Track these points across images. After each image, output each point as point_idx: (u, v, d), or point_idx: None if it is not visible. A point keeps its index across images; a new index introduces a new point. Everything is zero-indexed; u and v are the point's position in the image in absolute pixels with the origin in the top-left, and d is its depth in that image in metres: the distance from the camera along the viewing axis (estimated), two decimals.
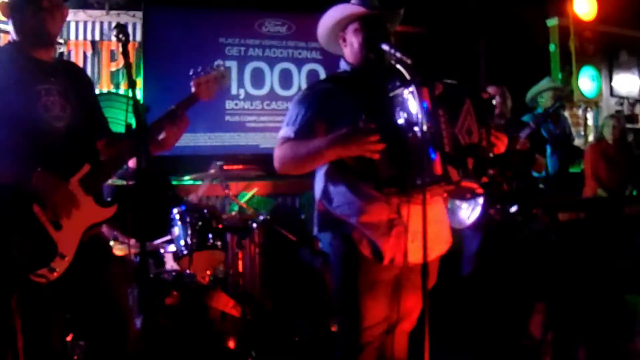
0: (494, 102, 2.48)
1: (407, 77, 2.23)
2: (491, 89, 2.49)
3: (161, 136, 2.47)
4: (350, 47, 2.50)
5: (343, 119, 2.32)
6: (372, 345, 2.50)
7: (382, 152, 2.25)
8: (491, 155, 2.39)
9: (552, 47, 7.10)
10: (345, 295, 2.47)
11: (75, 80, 2.47)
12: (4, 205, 2.16)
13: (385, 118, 2.26)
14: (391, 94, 2.26)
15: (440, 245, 2.56)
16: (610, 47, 7.50)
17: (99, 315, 2.38)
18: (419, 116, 2.15)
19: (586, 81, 7.19)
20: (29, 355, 2.18)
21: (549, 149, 5.17)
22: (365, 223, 2.38)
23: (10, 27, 2.37)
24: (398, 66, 2.27)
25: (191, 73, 2.56)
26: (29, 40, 2.34)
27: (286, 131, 2.45)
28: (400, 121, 2.24)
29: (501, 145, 2.42)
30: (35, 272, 2.17)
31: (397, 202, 2.37)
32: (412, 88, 2.19)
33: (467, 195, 2.46)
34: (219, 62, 2.60)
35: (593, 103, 7.20)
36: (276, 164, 2.48)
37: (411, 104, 2.20)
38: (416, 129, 2.18)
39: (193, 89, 2.54)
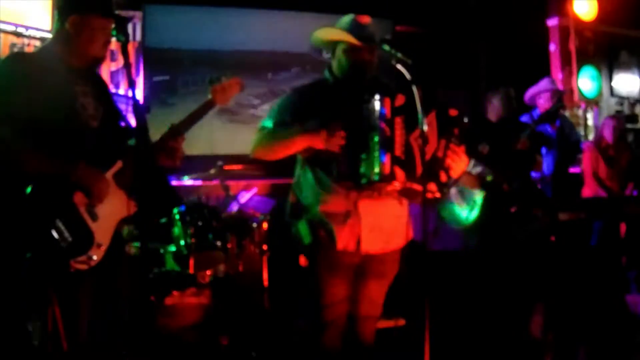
0: (465, 120, 2.70)
1: (408, 77, 2.46)
2: (453, 111, 2.69)
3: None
4: (338, 62, 2.78)
5: (316, 121, 2.62)
6: (335, 325, 2.75)
7: (343, 150, 2.57)
8: (446, 163, 2.62)
9: (552, 47, 7.11)
10: (310, 275, 2.79)
11: (100, 84, 2.60)
12: (48, 194, 2.26)
13: (353, 122, 2.58)
14: (364, 103, 2.57)
15: (396, 239, 2.81)
16: (610, 47, 7.50)
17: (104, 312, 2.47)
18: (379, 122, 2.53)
19: (586, 81, 7.19)
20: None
21: (544, 150, 5.17)
22: (325, 212, 2.70)
23: (50, 35, 2.42)
24: (398, 66, 2.51)
25: (207, 80, 2.70)
26: (82, 60, 2.44)
27: (266, 121, 2.79)
28: (367, 125, 2.56)
29: (456, 157, 2.63)
30: (76, 258, 2.27)
31: (354, 196, 2.67)
32: (377, 97, 2.53)
33: (417, 197, 2.66)
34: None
35: (593, 103, 7.20)
36: (252, 147, 2.79)
37: (377, 111, 2.55)
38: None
39: (210, 96, 2.66)
